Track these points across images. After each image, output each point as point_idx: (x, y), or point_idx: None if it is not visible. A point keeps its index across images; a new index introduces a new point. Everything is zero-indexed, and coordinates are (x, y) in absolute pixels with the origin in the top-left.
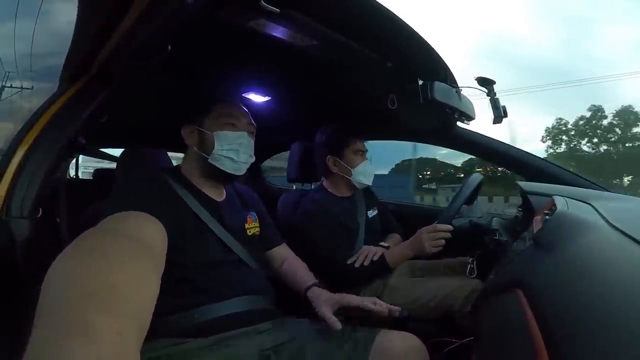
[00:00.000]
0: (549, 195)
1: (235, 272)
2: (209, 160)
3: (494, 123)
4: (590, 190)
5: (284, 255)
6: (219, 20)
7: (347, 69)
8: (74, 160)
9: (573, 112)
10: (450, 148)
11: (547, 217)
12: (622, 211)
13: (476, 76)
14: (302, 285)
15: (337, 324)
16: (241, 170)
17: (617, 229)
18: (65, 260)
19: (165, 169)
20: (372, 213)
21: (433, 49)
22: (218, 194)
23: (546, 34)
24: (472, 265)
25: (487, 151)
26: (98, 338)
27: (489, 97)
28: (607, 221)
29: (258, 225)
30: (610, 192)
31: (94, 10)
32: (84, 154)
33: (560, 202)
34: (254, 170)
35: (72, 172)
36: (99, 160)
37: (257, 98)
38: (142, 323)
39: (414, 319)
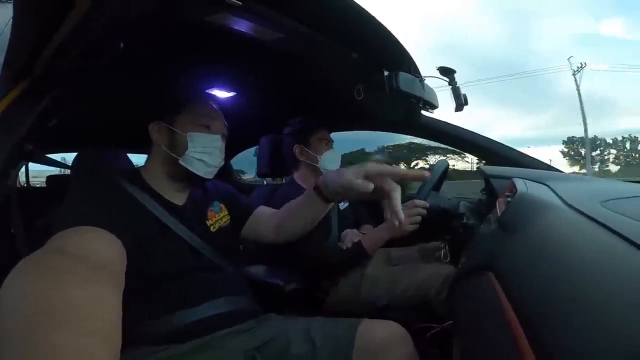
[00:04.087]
0: (509, 178)
1: (208, 275)
2: (179, 161)
3: (456, 111)
4: (546, 171)
5: (267, 213)
6: (177, 15)
7: (313, 61)
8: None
9: (516, 103)
10: (417, 136)
11: (509, 199)
12: (576, 190)
13: (438, 66)
14: (304, 197)
15: (369, 185)
16: (212, 174)
17: (573, 207)
18: (16, 282)
19: (123, 171)
20: (343, 205)
21: (397, 40)
22: (179, 198)
23: (492, 28)
24: (445, 250)
25: (452, 138)
26: (67, 357)
27: (451, 87)
28: (563, 201)
29: (226, 213)
30: (563, 172)
31: (35, 6)
32: (33, 161)
33: (519, 183)
34: (224, 167)
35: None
36: None
37: (221, 94)
38: (109, 341)
39: (393, 307)
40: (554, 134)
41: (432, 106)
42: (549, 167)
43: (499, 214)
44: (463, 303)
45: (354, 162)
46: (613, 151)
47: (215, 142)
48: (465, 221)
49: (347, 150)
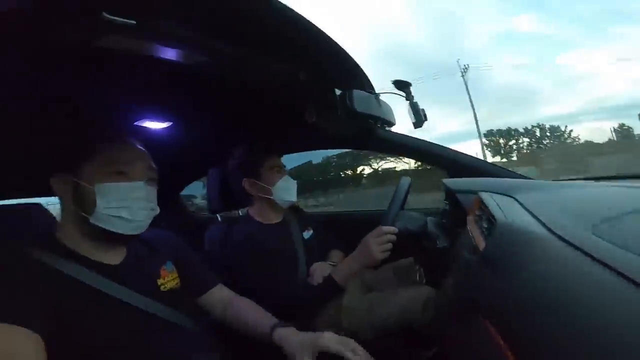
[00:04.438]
0: (475, 192)
1: (166, 337)
2: (90, 220)
3: (415, 127)
4: (509, 180)
5: (224, 298)
6: (53, 39)
7: (253, 84)
8: None
9: (453, 100)
10: (372, 151)
11: (483, 223)
12: (555, 209)
13: (393, 79)
14: (261, 328)
15: None
16: (139, 228)
17: (562, 239)
18: None
19: (33, 236)
20: (307, 234)
21: (348, 54)
22: (113, 257)
23: (425, 31)
24: (420, 272)
25: (409, 150)
26: None
27: (408, 102)
28: (548, 229)
29: (176, 275)
30: (525, 178)
31: None
32: None
33: (486, 199)
34: (173, 201)
35: None
36: None
37: (155, 125)
38: None
39: (377, 336)
40: (488, 127)
41: (390, 124)
42: (511, 173)
43: (475, 241)
44: (454, 336)
45: (301, 176)
46: (526, 139)
47: (136, 191)
48: (438, 245)
49: (294, 164)
